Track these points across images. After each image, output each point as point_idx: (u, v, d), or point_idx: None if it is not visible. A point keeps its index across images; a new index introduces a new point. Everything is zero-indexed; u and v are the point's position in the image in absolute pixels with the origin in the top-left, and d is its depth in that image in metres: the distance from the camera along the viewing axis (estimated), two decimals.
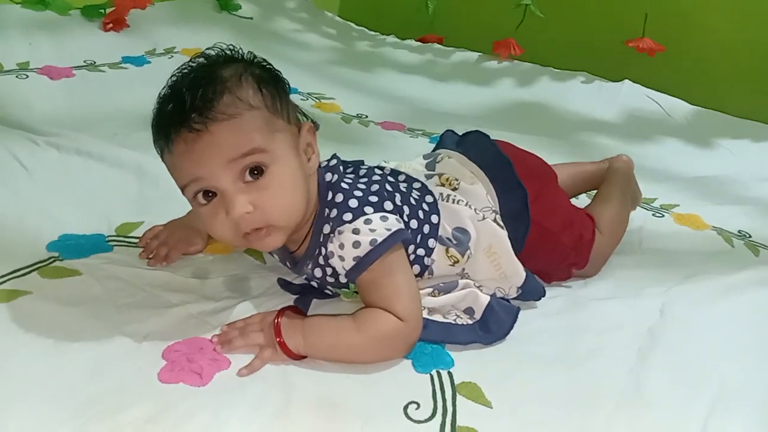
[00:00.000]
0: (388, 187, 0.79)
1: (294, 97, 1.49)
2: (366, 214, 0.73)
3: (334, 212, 0.74)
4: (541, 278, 0.89)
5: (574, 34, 2.02)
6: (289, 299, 0.81)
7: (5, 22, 1.58)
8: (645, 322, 0.85)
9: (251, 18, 2.01)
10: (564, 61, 1.86)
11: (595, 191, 1.08)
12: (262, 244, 0.72)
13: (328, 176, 0.78)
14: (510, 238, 0.83)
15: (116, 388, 0.65)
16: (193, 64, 0.71)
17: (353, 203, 0.74)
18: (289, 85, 0.76)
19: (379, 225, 0.73)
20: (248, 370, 0.69)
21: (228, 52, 0.73)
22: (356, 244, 0.72)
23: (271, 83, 0.73)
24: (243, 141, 0.68)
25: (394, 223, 0.74)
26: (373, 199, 0.75)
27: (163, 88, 0.71)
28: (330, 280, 0.78)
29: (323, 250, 0.76)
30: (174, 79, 0.71)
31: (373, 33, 2.10)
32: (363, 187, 0.77)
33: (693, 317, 0.88)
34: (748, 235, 1.14)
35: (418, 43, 2.02)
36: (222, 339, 0.72)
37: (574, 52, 1.96)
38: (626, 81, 1.74)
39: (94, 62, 1.53)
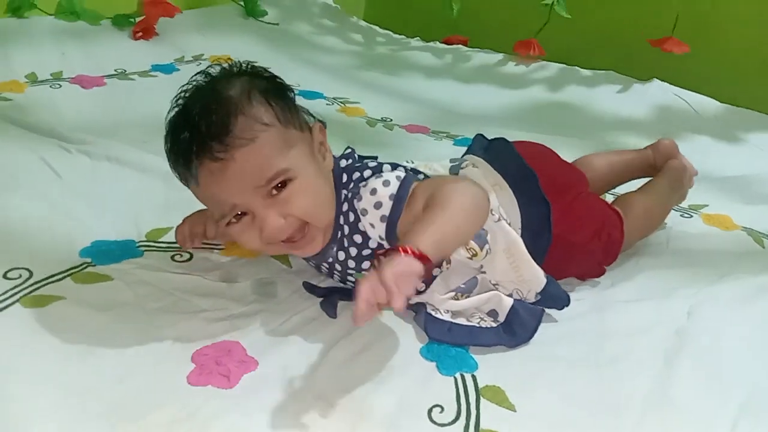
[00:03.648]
0: (402, 168, 0.81)
1: (319, 102, 1.57)
2: (381, 172, 0.77)
3: (351, 185, 0.77)
4: (577, 277, 0.91)
5: (600, 33, 2.01)
6: (315, 302, 0.82)
7: (38, 32, 1.63)
8: (672, 325, 0.84)
9: (277, 24, 2.03)
10: (590, 61, 1.84)
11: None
12: (305, 250, 0.75)
13: (343, 163, 0.81)
14: (530, 250, 0.82)
15: (145, 391, 0.66)
16: (196, 84, 0.73)
17: (368, 173, 0.78)
18: (292, 91, 0.77)
19: (398, 169, 0.78)
20: (393, 291, 0.59)
21: (227, 67, 0.74)
22: (386, 183, 0.76)
23: (278, 93, 0.74)
24: (265, 166, 0.70)
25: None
26: (387, 167, 0.79)
27: (171, 111, 0.73)
28: (351, 264, 0.79)
29: (345, 229, 0.78)
30: (179, 102, 0.73)
31: (397, 36, 2.11)
32: (376, 164, 0.80)
33: (722, 319, 0.86)
34: None
35: (443, 45, 2.02)
36: (359, 317, 0.60)
37: (600, 52, 1.94)
38: (655, 80, 1.72)
39: (125, 71, 1.57)
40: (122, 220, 0.95)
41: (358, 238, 0.77)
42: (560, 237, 0.85)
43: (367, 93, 1.64)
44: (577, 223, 0.89)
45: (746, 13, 1.84)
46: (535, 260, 0.82)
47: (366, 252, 0.78)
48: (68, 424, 0.62)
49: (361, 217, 0.76)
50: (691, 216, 1.15)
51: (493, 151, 0.92)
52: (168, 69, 1.62)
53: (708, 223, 1.13)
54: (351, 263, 0.79)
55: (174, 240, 0.91)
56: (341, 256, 0.79)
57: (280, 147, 0.71)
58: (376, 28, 2.17)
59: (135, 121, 1.31)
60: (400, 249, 0.63)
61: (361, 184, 0.77)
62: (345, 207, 0.77)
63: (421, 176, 0.82)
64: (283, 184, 0.71)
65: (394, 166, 0.81)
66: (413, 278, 0.62)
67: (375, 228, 0.76)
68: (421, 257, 0.63)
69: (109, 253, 0.87)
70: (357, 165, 0.80)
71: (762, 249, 1.08)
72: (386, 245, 0.77)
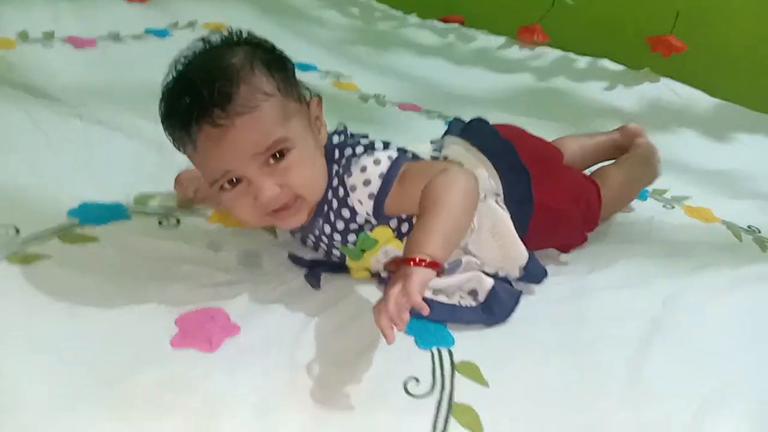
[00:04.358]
0: (394, 147, 0.82)
1: (312, 75, 1.56)
2: (372, 150, 0.79)
3: (342, 162, 0.78)
4: (561, 250, 0.94)
5: (601, 24, 2.00)
6: (299, 274, 0.83)
7: None
8: (648, 313, 0.86)
9: None
10: (588, 50, 1.84)
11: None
12: (288, 222, 0.76)
13: (335, 139, 0.82)
14: (515, 220, 0.84)
15: (130, 353, 0.68)
16: (195, 51, 0.73)
17: (360, 149, 0.79)
18: (292, 63, 0.78)
19: (390, 149, 0.79)
20: (423, 309, 0.64)
21: (228, 36, 0.75)
22: (377, 161, 0.77)
23: (279, 65, 0.75)
24: (265, 134, 0.71)
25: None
26: (379, 145, 0.81)
27: (168, 77, 0.73)
28: (336, 238, 0.80)
29: (334, 203, 0.79)
30: (179, 68, 0.73)
31: (394, 12, 2.10)
32: (368, 141, 0.81)
33: (696, 310, 0.88)
34: (757, 230, 1.14)
35: (441, 24, 2.02)
36: (388, 326, 0.64)
37: (599, 42, 1.94)
38: (648, 70, 1.73)
39: (118, 33, 1.55)
40: (111, 184, 0.96)
41: (346, 213, 0.79)
42: (541, 205, 0.87)
43: (361, 68, 1.64)
44: (557, 191, 0.91)
45: (743, 10, 1.85)
46: (519, 230, 0.84)
47: (353, 226, 0.80)
48: (52, 383, 0.63)
49: (350, 192, 0.77)
50: (674, 207, 1.17)
51: (471, 130, 0.94)
52: (161, 34, 1.61)
53: (689, 215, 1.15)
54: (337, 236, 0.81)
55: (162, 205, 0.91)
56: (327, 229, 0.81)
57: (280, 117, 0.72)
58: (374, 2, 2.16)
59: (127, 85, 1.31)
60: (413, 261, 0.67)
61: (352, 160, 0.78)
62: (335, 182, 0.78)
63: (409, 155, 0.83)
64: (282, 154, 0.72)
65: (386, 145, 0.82)
66: (427, 284, 0.67)
67: (363, 204, 0.77)
68: (433, 264, 0.68)
69: (96, 214, 0.88)
70: (349, 142, 0.81)
71: (739, 242, 1.10)
72: (373, 221, 0.79)
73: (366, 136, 0.85)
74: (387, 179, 0.76)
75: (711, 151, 1.45)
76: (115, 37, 1.54)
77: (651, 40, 1.75)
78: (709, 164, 1.37)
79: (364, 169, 0.76)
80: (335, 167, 0.79)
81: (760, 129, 1.53)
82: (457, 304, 0.80)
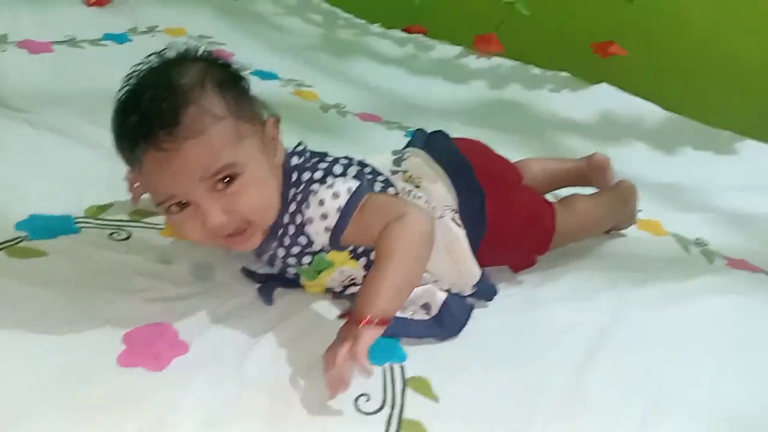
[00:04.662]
0: (353, 170, 0.82)
1: (273, 84, 1.56)
2: (330, 180, 0.78)
3: (301, 187, 0.78)
4: (510, 268, 0.95)
5: (557, 33, 2.04)
6: (252, 288, 0.83)
7: None
8: (595, 325, 0.88)
9: None
10: (545, 60, 1.88)
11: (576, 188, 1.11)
12: (244, 246, 0.75)
13: (294, 160, 0.81)
14: (468, 237, 0.85)
15: (75, 370, 0.67)
16: (150, 66, 0.72)
17: (318, 175, 0.79)
18: (248, 82, 0.77)
19: (349, 179, 0.78)
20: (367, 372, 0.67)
21: (183, 52, 0.74)
22: (335, 195, 0.76)
23: (233, 84, 0.74)
24: (213, 159, 0.70)
25: (359, 181, 0.78)
26: (338, 170, 0.80)
27: (121, 91, 0.72)
28: (291, 261, 0.80)
29: (290, 229, 0.78)
30: (132, 81, 0.72)
31: (358, 21, 2.10)
32: (327, 165, 0.80)
33: (643, 322, 0.91)
34: (705, 243, 1.17)
35: (403, 34, 2.03)
36: (334, 389, 0.66)
37: (556, 52, 1.98)
38: (604, 84, 1.76)
39: (75, 38, 1.53)
40: (62, 195, 0.94)
41: (302, 240, 0.78)
42: (494, 225, 0.88)
43: (323, 77, 1.64)
44: (510, 212, 0.92)
45: (697, 22, 1.90)
46: (471, 247, 0.85)
47: (309, 251, 0.79)
48: (2, 406, 0.62)
49: (306, 224, 0.77)
50: None
51: (432, 143, 0.95)
52: (120, 39, 1.59)
53: (640, 228, 1.18)
54: (292, 260, 0.81)
55: (113, 218, 0.90)
56: (281, 253, 0.80)
57: (230, 140, 0.71)
58: (338, 10, 2.16)
59: (83, 91, 1.28)
60: (363, 321, 0.69)
61: (311, 189, 0.77)
62: (293, 207, 0.78)
63: (370, 184, 0.82)
64: (231, 179, 0.71)
65: (346, 167, 0.82)
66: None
67: (319, 236, 0.77)
68: (382, 322, 0.70)
69: (46, 227, 0.86)
70: (308, 165, 0.80)
71: (687, 255, 1.13)
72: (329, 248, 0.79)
73: (325, 156, 0.85)
74: (344, 214, 0.75)
75: (662, 164, 1.49)
76: (72, 42, 1.51)
77: (595, 45, 1.80)
78: (660, 177, 1.41)
79: (321, 203, 0.76)
80: (293, 191, 0.78)
81: (706, 142, 1.58)
82: (410, 317, 0.81)
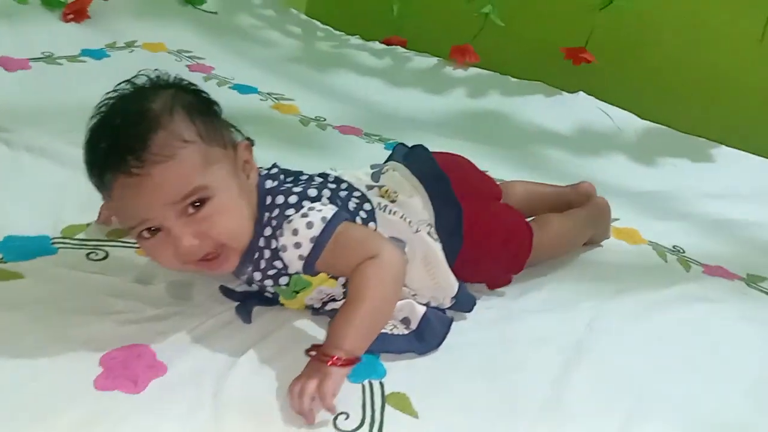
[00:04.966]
0: (327, 192, 0.82)
1: (253, 98, 1.56)
2: (306, 205, 0.78)
3: (276, 212, 0.78)
4: (487, 286, 0.94)
5: (532, 43, 2.06)
6: (230, 306, 0.83)
7: None
8: (573, 336, 0.89)
9: (216, 12, 2.01)
10: (521, 70, 1.89)
11: None
12: (220, 270, 0.75)
13: (268, 183, 0.81)
14: (445, 251, 0.86)
15: (51, 394, 0.67)
16: (121, 92, 0.73)
17: (293, 199, 0.79)
18: (219, 107, 0.78)
19: (324, 207, 0.78)
20: (331, 410, 0.68)
21: (155, 78, 0.75)
22: (309, 225, 0.76)
23: (203, 110, 0.75)
24: (182, 183, 0.70)
25: (334, 207, 0.78)
26: (312, 193, 0.80)
27: (93, 117, 0.72)
28: (268, 283, 0.81)
29: (266, 253, 0.79)
30: (103, 109, 0.72)
31: (338, 33, 2.11)
32: (301, 189, 0.81)
33: (620, 332, 0.92)
34: (681, 251, 1.19)
35: (382, 46, 2.04)
36: (302, 411, 0.67)
37: (530, 61, 2.00)
38: (581, 93, 1.78)
39: (52, 54, 1.52)
40: (39, 215, 0.94)
41: (278, 264, 0.79)
42: (470, 240, 0.89)
43: (303, 90, 1.65)
44: (487, 229, 0.93)
45: (669, 32, 1.93)
46: (448, 261, 0.86)
47: (285, 273, 0.79)
48: None
49: (280, 251, 0.77)
50: None
51: (412, 157, 0.96)
52: (98, 54, 1.58)
53: (617, 237, 1.19)
54: (269, 282, 0.81)
55: (90, 238, 0.90)
56: (258, 276, 0.80)
57: (200, 164, 0.71)
58: (317, 23, 2.17)
59: (60, 109, 1.28)
60: (331, 359, 0.70)
61: (286, 215, 0.77)
62: (268, 232, 0.78)
63: (352, 203, 0.82)
64: (201, 203, 0.71)
65: (320, 187, 0.82)
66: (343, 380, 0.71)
67: (293, 263, 0.78)
68: (350, 362, 0.71)
69: (22, 249, 0.86)
70: (282, 188, 0.80)
71: (664, 263, 1.15)
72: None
73: (299, 176, 0.85)
74: (318, 243, 0.76)
75: (640, 172, 1.50)
76: (50, 59, 1.50)
77: (565, 50, 1.82)
78: (638, 186, 1.42)
79: (295, 232, 0.76)
80: (267, 214, 0.78)
81: (683, 150, 1.60)
82: (390, 332, 0.81)
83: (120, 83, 0.74)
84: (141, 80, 0.75)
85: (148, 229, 0.72)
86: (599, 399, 0.79)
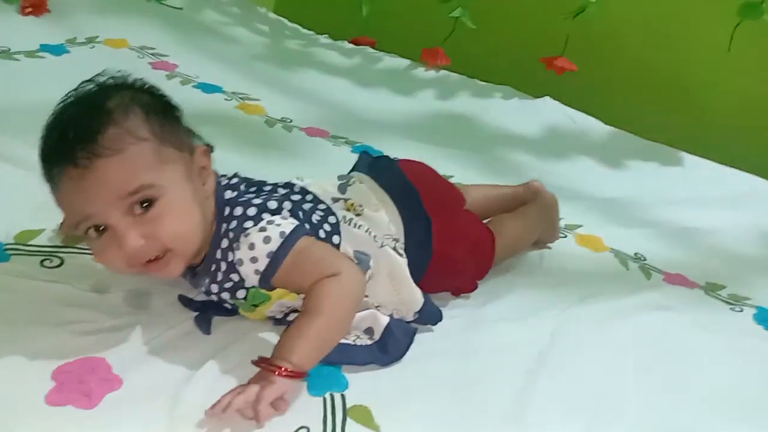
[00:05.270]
0: (288, 204, 0.81)
1: (217, 97, 1.53)
2: (266, 218, 0.76)
3: (233, 224, 0.77)
4: (451, 293, 0.95)
5: (502, 47, 2.07)
6: (190, 316, 0.81)
7: None
8: (536, 345, 0.89)
9: (181, 8, 1.96)
10: (491, 74, 1.90)
11: None
12: (162, 274, 0.73)
13: (228, 194, 0.80)
14: (413, 264, 0.86)
15: (0, 410, 0.64)
16: (80, 91, 0.72)
17: (252, 211, 0.77)
18: (180, 110, 0.77)
19: (283, 221, 0.77)
20: (259, 419, 0.66)
21: (118, 78, 0.74)
22: (267, 240, 0.74)
23: (160, 111, 0.74)
24: (129, 178, 0.68)
25: (295, 221, 0.77)
26: (272, 205, 0.78)
27: (50, 116, 0.71)
28: (225, 296, 0.79)
29: (222, 265, 0.77)
30: (60, 106, 0.71)
31: (306, 32, 2.09)
32: (261, 201, 0.79)
33: (581, 340, 0.92)
34: (643, 258, 1.20)
35: (350, 45, 2.02)
36: (218, 408, 0.66)
37: (501, 65, 2.01)
38: (547, 98, 1.79)
39: (9, 49, 1.47)
40: None
41: (235, 277, 0.77)
42: (439, 251, 0.89)
43: (269, 90, 1.62)
44: (455, 238, 0.93)
45: (634, 39, 1.95)
46: (417, 273, 0.85)
47: (242, 287, 0.78)
48: None
49: (236, 265, 0.76)
50: (566, 236, 1.22)
51: (378, 168, 0.95)
52: (58, 50, 1.53)
53: (580, 244, 1.20)
54: (226, 295, 0.79)
55: (45, 244, 0.87)
56: (215, 288, 0.79)
57: (150, 162, 0.70)
58: (285, 21, 2.15)
59: (16, 107, 1.23)
60: (278, 370, 0.68)
61: (244, 227, 0.76)
62: (225, 244, 0.77)
63: (315, 216, 0.82)
64: (150, 203, 0.70)
65: (282, 199, 0.80)
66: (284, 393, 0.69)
67: (249, 278, 0.76)
68: (297, 375, 0.70)
69: None
70: (241, 200, 0.78)
71: (626, 271, 1.16)
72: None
73: (262, 186, 0.84)
74: (275, 259, 0.74)
75: (604, 179, 1.51)
76: (7, 54, 1.46)
77: (545, 60, 1.83)
78: (602, 192, 1.44)
79: (252, 247, 0.75)
80: (224, 225, 0.77)
81: (649, 156, 1.62)
82: (353, 342, 0.81)
83: (83, 81, 0.73)
84: (104, 79, 0.74)
85: (97, 228, 0.70)
86: (561, 410, 0.79)
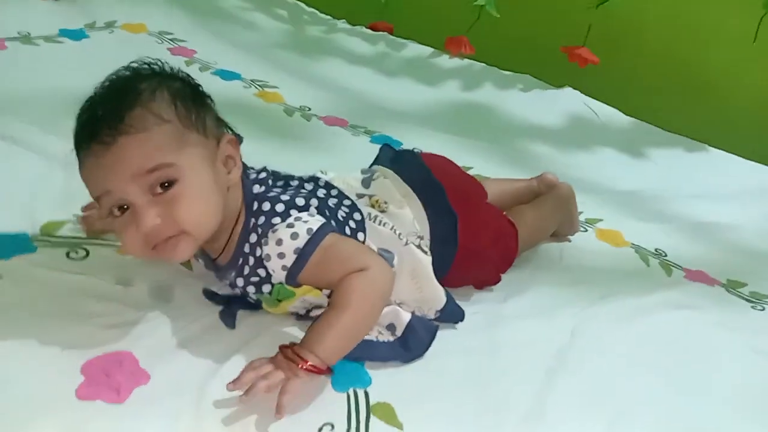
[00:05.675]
0: (315, 201, 0.81)
1: (236, 84, 1.53)
2: (293, 214, 0.77)
3: (262, 219, 0.77)
4: (475, 287, 0.95)
5: (525, 37, 2.05)
6: (213, 310, 0.82)
7: None
8: (555, 343, 0.89)
9: None
10: (513, 63, 1.87)
11: None
12: (171, 255, 0.73)
13: (256, 188, 0.80)
14: (439, 260, 0.86)
15: (30, 401, 0.65)
16: (116, 75, 0.74)
17: (280, 207, 0.77)
18: (211, 100, 0.77)
19: (311, 218, 0.77)
20: (281, 411, 0.66)
21: (153, 65, 0.75)
22: (294, 236, 0.75)
23: (189, 98, 0.74)
24: (149, 156, 0.70)
25: (322, 218, 0.77)
26: (300, 202, 0.79)
27: (86, 100, 0.73)
28: (251, 289, 0.80)
29: (250, 260, 0.77)
30: (96, 90, 0.73)
31: (324, 17, 2.07)
32: (288, 197, 0.79)
33: (601, 339, 0.92)
34: (664, 254, 1.20)
35: (370, 32, 2.00)
36: (240, 384, 0.67)
37: (523, 55, 1.98)
38: (568, 88, 1.77)
39: (29, 34, 1.47)
40: (15, 210, 0.91)
41: (262, 272, 0.78)
42: (465, 246, 0.89)
43: (288, 77, 1.61)
44: (479, 232, 0.93)
45: (656, 30, 1.93)
46: (442, 269, 0.86)
47: (268, 282, 0.78)
48: None
49: (264, 260, 0.76)
50: (586, 230, 1.21)
51: (402, 163, 0.95)
52: (77, 35, 1.53)
53: (600, 239, 1.19)
54: (251, 289, 0.80)
55: (70, 235, 0.88)
56: (240, 282, 0.79)
57: (172, 143, 0.71)
58: (303, 5, 2.13)
59: (35, 93, 1.23)
60: (302, 363, 0.69)
61: (272, 223, 0.76)
62: (253, 239, 0.77)
63: (341, 212, 0.81)
64: (170, 184, 0.70)
65: (309, 195, 0.81)
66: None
67: (276, 273, 0.76)
68: (320, 370, 0.70)
69: (0, 247, 0.83)
70: (269, 195, 0.79)
71: (647, 267, 1.15)
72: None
73: (290, 181, 0.84)
74: (302, 255, 0.75)
75: (624, 171, 1.50)
76: (26, 38, 1.46)
77: (566, 49, 1.81)
78: (622, 185, 1.43)
79: (279, 242, 0.75)
80: (253, 220, 0.77)
81: (670, 149, 1.60)
82: (375, 339, 0.81)
83: (120, 69, 0.75)
84: (138, 65, 0.75)
85: (120, 208, 0.71)
86: (582, 408, 0.80)
